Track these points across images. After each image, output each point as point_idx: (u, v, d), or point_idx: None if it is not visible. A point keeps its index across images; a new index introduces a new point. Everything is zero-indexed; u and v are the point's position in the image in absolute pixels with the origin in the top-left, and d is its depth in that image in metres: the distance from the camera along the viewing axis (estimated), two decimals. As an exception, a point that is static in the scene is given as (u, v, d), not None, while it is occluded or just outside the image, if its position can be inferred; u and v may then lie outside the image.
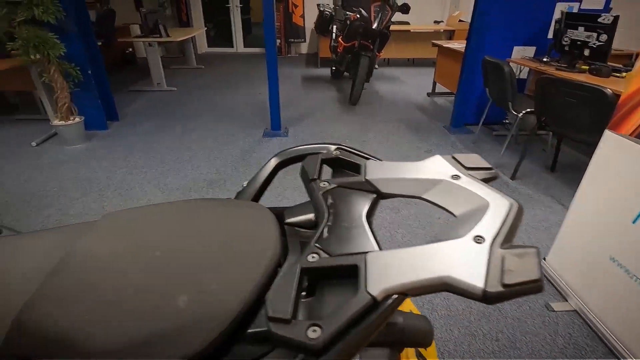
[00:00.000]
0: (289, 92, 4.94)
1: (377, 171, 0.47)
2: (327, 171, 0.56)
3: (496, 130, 3.61)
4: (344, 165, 0.52)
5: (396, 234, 2.07)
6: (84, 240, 0.49)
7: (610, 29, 2.51)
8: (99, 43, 3.57)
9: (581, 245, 1.57)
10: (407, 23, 6.69)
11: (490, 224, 0.35)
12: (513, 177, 2.68)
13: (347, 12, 4.87)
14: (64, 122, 3.05)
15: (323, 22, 5.63)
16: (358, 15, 4.18)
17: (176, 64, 6.49)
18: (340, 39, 4.65)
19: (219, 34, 8.15)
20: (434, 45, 4.72)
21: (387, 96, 4.87)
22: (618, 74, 2.55)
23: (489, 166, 0.44)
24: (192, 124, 3.72)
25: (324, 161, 0.52)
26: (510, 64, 2.98)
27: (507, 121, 3.74)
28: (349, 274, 0.35)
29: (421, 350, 0.64)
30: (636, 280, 1.30)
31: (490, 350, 1.41)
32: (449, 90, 4.59)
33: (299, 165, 0.56)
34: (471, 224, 0.35)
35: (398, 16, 4.46)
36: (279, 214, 0.55)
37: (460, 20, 6.60)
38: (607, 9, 3.22)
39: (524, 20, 3.27)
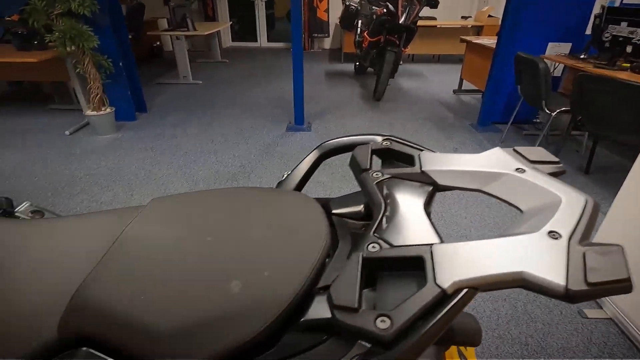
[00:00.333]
0: (312, 87, 4.93)
1: (433, 162, 0.45)
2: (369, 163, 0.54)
3: (526, 129, 3.49)
4: (395, 156, 0.50)
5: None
6: (135, 224, 0.50)
7: (656, 25, 2.38)
8: (129, 36, 3.66)
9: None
10: (434, 18, 6.54)
11: (565, 220, 0.33)
12: (544, 179, 2.58)
13: (374, 7, 4.80)
14: (96, 112, 3.15)
15: (348, 17, 5.57)
16: (385, 10, 4.11)
17: (201, 58, 6.59)
18: (365, 34, 4.59)
19: (243, 28, 8.22)
20: (462, 40, 4.59)
21: (412, 93, 4.79)
22: (663, 73, 2.41)
23: (556, 160, 0.41)
24: (216, 116, 3.78)
25: (374, 152, 0.51)
26: (545, 60, 2.86)
27: (537, 120, 3.60)
28: (412, 266, 0.34)
29: (462, 349, 0.63)
30: (682, 290, 1.23)
31: (519, 355, 1.37)
32: (475, 88, 4.47)
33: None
34: (543, 219, 0.33)
35: (425, 11, 4.36)
36: (324, 204, 0.55)
37: (489, 16, 6.40)
38: (652, 3, 3.04)
39: (560, 15, 3.13)
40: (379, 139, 0.54)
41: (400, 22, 3.86)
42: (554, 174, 0.40)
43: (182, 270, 0.43)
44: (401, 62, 5.79)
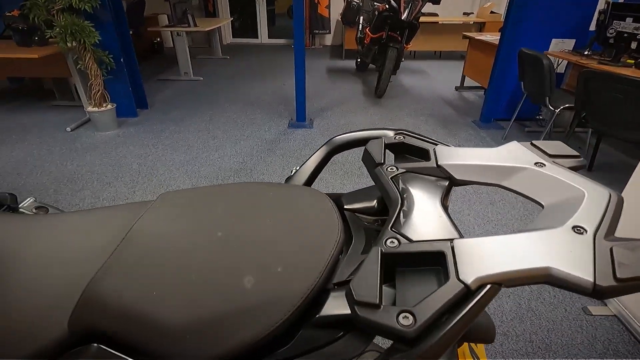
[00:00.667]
0: (313, 83, 4.91)
1: (449, 157, 0.44)
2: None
3: (529, 126, 3.47)
4: (409, 151, 0.50)
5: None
6: (145, 219, 0.49)
7: (662, 20, 2.36)
8: (130, 32, 3.64)
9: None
10: (436, 14, 6.50)
11: (590, 215, 0.32)
12: (547, 176, 2.57)
13: (376, 3, 4.77)
14: (97, 108, 3.14)
15: (350, 13, 5.54)
16: (387, 6, 4.09)
17: (202, 54, 6.56)
18: (367, 30, 4.57)
19: (244, 24, 8.17)
20: (465, 37, 4.57)
21: (414, 89, 4.77)
22: (668, 69, 2.39)
23: (576, 154, 0.41)
24: (218, 113, 3.76)
25: (387, 146, 0.50)
26: (549, 57, 2.84)
27: (540, 117, 3.59)
28: (432, 262, 0.33)
29: (472, 346, 0.62)
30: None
31: (524, 352, 1.36)
32: (478, 85, 4.45)
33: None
34: (567, 213, 0.33)
35: (427, 7, 4.34)
36: (336, 199, 0.54)
37: (491, 12, 6.36)
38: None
39: (564, 11, 3.11)
40: (391, 133, 0.53)
41: (402, 18, 3.84)
42: (574, 168, 0.40)
43: (194, 265, 0.42)
44: (403, 59, 5.77)
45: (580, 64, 2.78)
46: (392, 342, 0.30)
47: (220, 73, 5.44)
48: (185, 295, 0.39)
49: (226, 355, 0.36)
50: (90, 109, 3.15)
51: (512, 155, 0.42)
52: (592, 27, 3.08)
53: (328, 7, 7.14)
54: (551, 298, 1.59)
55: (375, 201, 0.50)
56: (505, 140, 3.20)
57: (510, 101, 3.49)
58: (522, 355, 1.35)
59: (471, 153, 0.44)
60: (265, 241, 0.44)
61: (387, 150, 0.51)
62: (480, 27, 6.25)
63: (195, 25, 4.98)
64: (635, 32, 2.49)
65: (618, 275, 0.27)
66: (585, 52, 2.92)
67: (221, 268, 0.42)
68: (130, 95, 3.50)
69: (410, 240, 0.34)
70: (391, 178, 0.43)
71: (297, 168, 0.63)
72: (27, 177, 2.49)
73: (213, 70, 5.57)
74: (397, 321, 0.28)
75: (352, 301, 0.30)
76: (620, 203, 0.33)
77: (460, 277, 0.29)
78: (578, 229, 0.31)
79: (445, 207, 0.39)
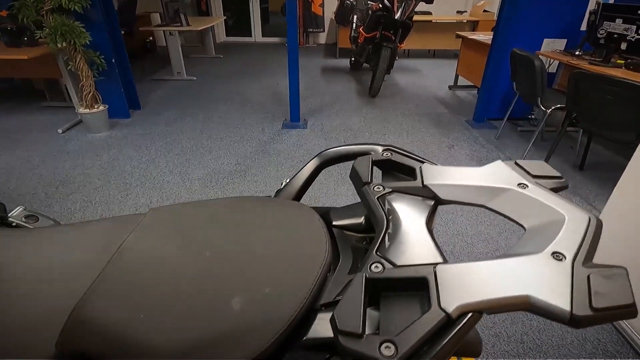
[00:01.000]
0: (307, 83, 4.91)
1: (434, 176, 0.45)
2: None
3: (521, 126, 3.50)
4: (396, 168, 0.50)
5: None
6: (134, 238, 0.49)
7: (651, 22, 2.38)
8: (122, 32, 3.60)
9: (613, 250, 1.51)
10: (429, 13, 6.51)
11: (569, 240, 0.33)
12: (539, 175, 2.60)
13: (369, 2, 4.77)
14: (88, 110, 3.11)
15: (343, 12, 5.54)
16: (380, 5, 4.09)
17: (195, 53, 6.51)
18: (361, 30, 4.57)
19: (237, 23, 8.12)
20: (458, 36, 4.58)
21: (408, 88, 4.78)
22: (657, 70, 2.42)
23: (558, 174, 0.41)
24: (211, 114, 3.74)
25: (375, 163, 0.50)
26: (540, 57, 2.86)
27: (532, 116, 3.62)
28: (416, 286, 0.34)
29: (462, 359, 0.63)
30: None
31: (516, 353, 1.38)
32: (471, 84, 4.47)
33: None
34: (547, 238, 0.33)
35: (420, 6, 4.34)
36: (324, 214, 0.54)
37: (484, 11, 6.39)
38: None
39: (555, 11, 3.13)
40: (380, 148, 0.54)
41: (396, 17, 3.84)
42: (556, 189, 0.40)
43: (182, 287, 0.42)
44: (397, 58, 5.77)
45: (571, 65, 2.80)
46: None
47: (213, 72, 5.41)
48: (172, 319, 0.39)
49: None
50: (81, 110, 3.12)
51: (496, 175, 0.42)
52: (583, 27, 3.10)
53: (322, 5, 7.11)
54: (542, 298, 1.61)
55: (362, 218, 0.51)
56: (498, 140, 3.22)
57: (503, 101, 3.51)
58: (514, 356, 1.37)
59: (456, 172, 0.45)
60: (253, 260, 0.45)
61: (375, 167, 0.52)
62: (474, 25, 6.28)
63: (188, 25, 4.94)
64: (625, 33, 2.52)
65: (594, 305, 0.27)
66: (577, 53, 2.95)
67: (209, 290, 0.42)
68: (123, 96, 3.47)
69: (394, 265, 0.35)
70: (378, 198, 0.44)
71: (287, 180, 0.64)
72: (17, 181, 2.47)
73: (206, 70, 5.54)
74: (379, 351, 0.28)
75: (335, 330, 0.30)
76: (599, 227, 0.34)
77: (442, 305, 0.30)
78: (557, 255, 0.31)
79: (430, 230, 0.39)
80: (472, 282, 0.31)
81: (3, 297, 0.47)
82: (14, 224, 0.74)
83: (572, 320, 0.27)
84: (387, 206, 0.42)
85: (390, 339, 0.29)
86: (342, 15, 5.57)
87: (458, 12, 7.13)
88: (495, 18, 3.32)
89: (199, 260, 0.45)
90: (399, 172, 0.50)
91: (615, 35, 2.59)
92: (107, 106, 3.23)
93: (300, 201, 0.63)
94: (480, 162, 2.83)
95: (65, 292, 0.46)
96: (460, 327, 0.29)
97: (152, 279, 0.43)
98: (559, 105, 2.55)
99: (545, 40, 3.25)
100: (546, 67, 3.27)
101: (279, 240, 0.47)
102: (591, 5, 3.04)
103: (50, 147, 2.95)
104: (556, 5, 3.10)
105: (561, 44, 3.25)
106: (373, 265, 0.35)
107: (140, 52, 6.35)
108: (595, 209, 2.20)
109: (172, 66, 4.96)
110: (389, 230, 0.39)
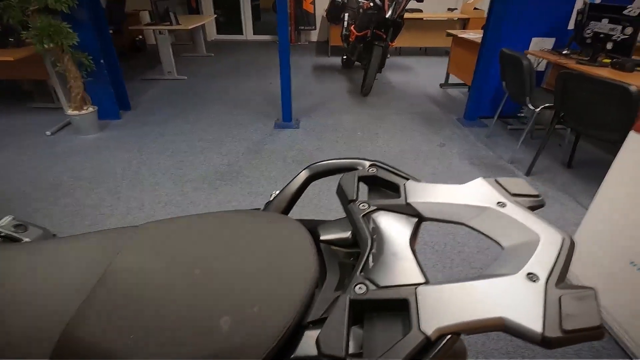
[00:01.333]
0: (299, 81, 4.90)
1: (418, 194, 0.46)
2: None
3: (511, 124, 3.55)
4: (381, 184, 0.51)
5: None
6: (124, 255, 0.50)
7: (636, 21, 2.42)
8: (110, 31, 3.55)
9: (600, 247, 1.55)
10: (420, 11, 6.53)
11: (543, 261, 0.34)
12: (528, 173, 2.64)
13: (360, 0, 4.77)
14: (77, 111, 3.07)
15: (335, 10, 5.53)
16: (371, 4, 4.09)
17: (186, 52, 6.45)
18: (352, 28, 4.56)
19: (228, 20, 8.06)
20: (449, 35, 4.61)
21: (399, 87, 4.80)
22: (642, 69, 2.47)
23: (536, 193, 0.43)
24: (203, 114, 3.72)
25: (361, 179, 0.51)
26: (528, 56, 2.90)
27: (522, 114, 3.66)
28: (398, 307, 0.35)
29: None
30: (657, 286, 1.28)
31: (505, 351, 1.41)
32: (462, 82, 4.51)
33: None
34: (522, 259, 0.35)
35: (411, 3, 4.34)
36: (312, 228, 0.55)
37: (475, 8, 6.42)
38: (632, -1, 3.10)
39: (544, 10, 3.17)
40: (367, 164, 0.55)
41: (387, 16, 3.85)
42: (533, 208, 0.42)
43: (172, 307, 0.43)
44: (389, 55, 5.78)
45: (559, 64, 2.84)
46: None
47: (204, 72, 5.37)
48: (162, 340, 0.40)
49: None
50: (70, 112, 3.08)
51: (476, 193, 0.44)
52: (571, 26, 3.14)
53: (313, 2, 7.09)
54: (530, 296, 1.64)
55: (349, 232, 0.52)
56: (489, 139, 3.26)
57: (494, 99, 3.55)
58: (503, 355, 1.40)
59: (439, 190, 0.46)
60: (242, 277, 0.45)
61: (361, 183, 0.53)
62: (465, 23, 6.32)
63: (178, 23, 4.89)
64: (611, 33, 2.56)
65: (564, 327, 0.29)
66: (564, 52, 2.99)
67: (199, 309, 0.43)
68: (112, 97, 3.43)
69: (378, 286, 0.36)
70: (363, 216, 0.45)
71: (276, 193, 0.64)
72: (5, 185, 2.43)
73: (197, 69, 5.49)
74: None
75: (320, 353, 0.31)
76: (572, 247, 0.36)
77: (422, 328, 0.31)
78: (531, 276, 0.33)
79: (413, 249, 0.40)
80: (451, 303, 0.32)
81: None
82: (2, 234, 0.74)
83: (544, 342, 0.29)
84: (371, 224, 0.43)
85: None
86: (334, 14, 5.56)
87: (449, 9, 7.16)
88: (485, 15, 3.34)
89: (188, 279, 0.46)
90: (384, 187, 0.51)
91: (602, 35, 2.63)
92: (96, 107, 3.19)
93: (290, 212, 0.64)
94: (471, 160, 2.86)
95: (54, 316, 0.46)
96: (439, 349, 0.30)
97: (142, 299, 0.44)
98: (547, 104, 2.59)
99: (534, 39, 3.29)
100: (535, 66, 3.31)
101: (268, 256, 0.48)
102: (579, 5, 3.08)
103: (39, 150, 2.91)
104: (544, 4, 3.14)
105: (549, 42, 3.28)
106: (357, 287, 0.36)
107: (129, 51, 6.28)
108: (582, 205, 2.25)
109: (162, 65, 4.91)
110: (373, 250, 0.40)
